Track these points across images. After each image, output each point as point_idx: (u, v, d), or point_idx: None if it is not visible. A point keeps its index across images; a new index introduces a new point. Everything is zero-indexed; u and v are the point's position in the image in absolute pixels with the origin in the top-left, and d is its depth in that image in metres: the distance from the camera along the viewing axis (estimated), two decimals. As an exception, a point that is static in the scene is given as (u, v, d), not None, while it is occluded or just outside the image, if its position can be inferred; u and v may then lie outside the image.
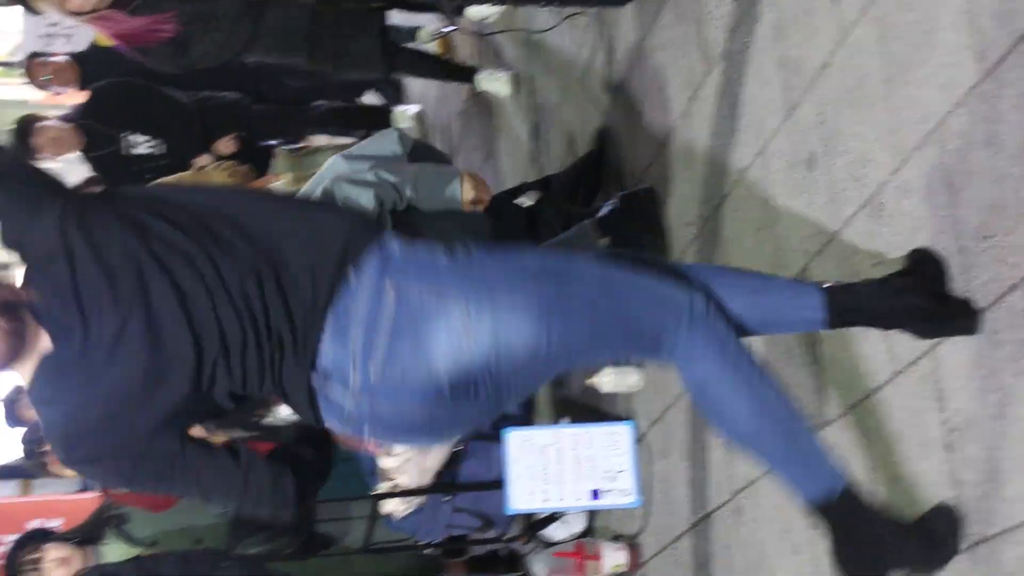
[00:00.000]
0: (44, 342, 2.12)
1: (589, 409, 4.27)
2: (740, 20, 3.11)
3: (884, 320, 2.34)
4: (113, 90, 5.82)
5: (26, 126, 5.62)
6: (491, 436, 4.66)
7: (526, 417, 4.82)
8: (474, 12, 5.33)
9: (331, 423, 2.21)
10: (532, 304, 2.15)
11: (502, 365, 2.13)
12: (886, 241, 2.48)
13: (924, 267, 2.33)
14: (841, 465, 2.24)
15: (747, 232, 3.11)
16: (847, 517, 2.22)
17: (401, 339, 2.10)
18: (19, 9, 5.04)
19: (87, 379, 2.11)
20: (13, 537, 5.14)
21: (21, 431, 5.33)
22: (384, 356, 2.10)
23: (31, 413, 5.18)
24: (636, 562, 4.03)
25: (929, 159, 2.32)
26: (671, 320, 2.20)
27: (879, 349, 2.50)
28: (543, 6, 4.46)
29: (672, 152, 3.57)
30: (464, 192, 3.59)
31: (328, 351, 2.13)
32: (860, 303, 2.32)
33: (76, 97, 6.44)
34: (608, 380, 3.90)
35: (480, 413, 2.25)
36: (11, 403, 5.48)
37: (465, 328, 2.12)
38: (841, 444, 2.64)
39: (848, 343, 2.62)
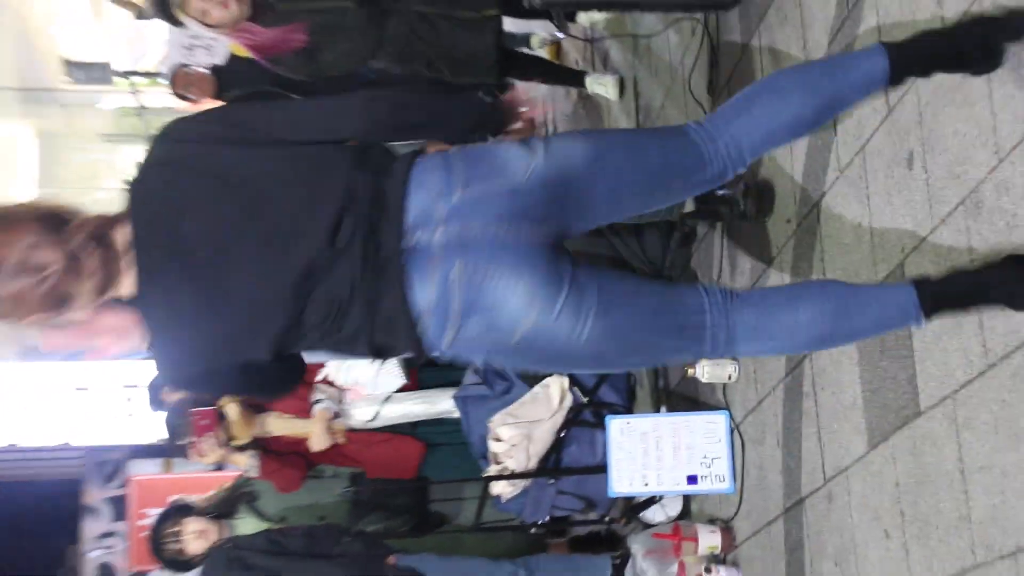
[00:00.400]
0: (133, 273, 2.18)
1: (687, 399, 4.23)
2: (843, 22, 3.05)
3: (973, 296, 2.32)
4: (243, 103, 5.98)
5: None
6: (594, 423, 4.67)
7: (627, 406, 4.81)
8: (583, 18, 5.33)
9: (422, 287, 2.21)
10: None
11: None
12: (983, 238, 2.41)
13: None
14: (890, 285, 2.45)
15: (845, 229, 3.05)
16: (947, 295, 2.32)
17: None
18: (165, 23, 5.15)
19: (199, 297, 2.17)
20: (157, 510, 5.29)
21: (164, 414, 5.47)
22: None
23: (174, 397, 5.31)
24: (730, 544, 3.99)
25: (1028, 157, 2.25)
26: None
27: (973, 342, 2.43)
28: (649, 11, 4.44)
29: (773, 153, 3.52)
30: None
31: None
32: (949, 287, 2.32)
33: (214, 105, 6.60)
34: (706, 371, 3.87)
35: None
36: (155, 388, 5.61)
37: None
38: (935, 434, 2.58)
39: (940, 336, 2.55)
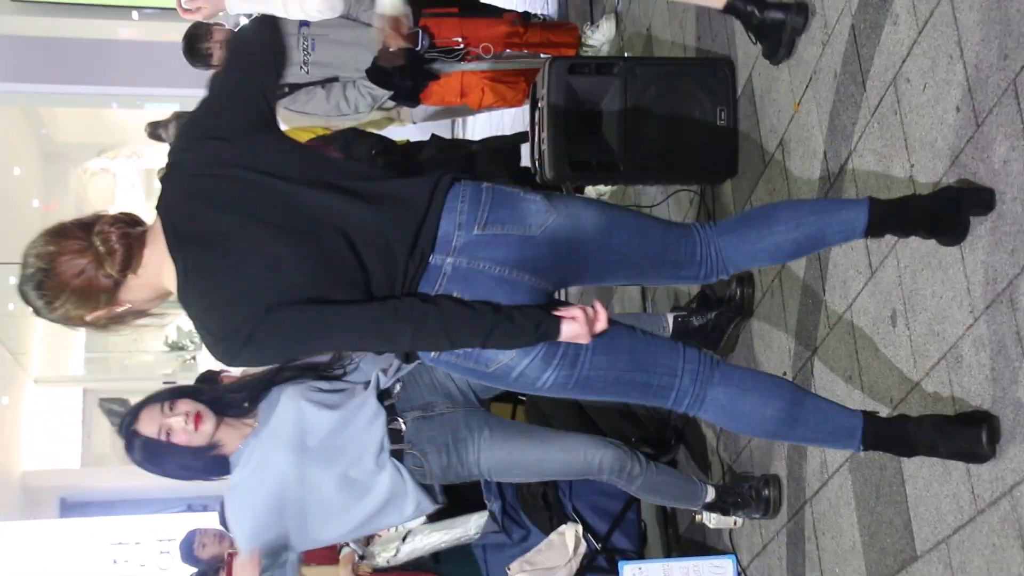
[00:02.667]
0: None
1: (696, 543, 4.20)
2: (826, 193, 3.13)
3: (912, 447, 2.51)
4: None
5: None
6: (607, 569, 4.62)
7: (639, 551, 4.76)
8: (590, 191, 5.46)
9: None
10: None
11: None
12: (965, 389, 2.45)
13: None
14: (847, 409, 2.51)
15: (838, 381, 3.08)
16: (889, 438, 2.49)
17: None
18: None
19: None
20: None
21: (196, 569, 5.43)
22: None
23: (206, 552, 5.29)
24: None
25: (1001, 316, 2.30)
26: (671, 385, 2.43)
27: (962, 489, 2.44)
28: (651, 184, 4.55)
29: (770, 308, 3.58)
30: None
31: None
32: (894, 432, 2.51)
33: None
34: (713, 519, 3.85)
35: None
36: (188, 543, 5.57)
37: None
38: (930, 577, 2.57)
39: (931, 482, 2.57)
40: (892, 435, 2.49)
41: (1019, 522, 2.25)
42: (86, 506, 12.29)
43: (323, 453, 3.22)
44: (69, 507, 12.39)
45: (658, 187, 4.58)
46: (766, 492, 3.58)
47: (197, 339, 14.28)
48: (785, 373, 3.44)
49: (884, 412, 2.79)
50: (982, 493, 2.37)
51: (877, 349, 2.85)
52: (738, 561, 3.86)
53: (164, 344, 13.89)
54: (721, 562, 3.90)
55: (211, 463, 3.23)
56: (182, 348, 13.67)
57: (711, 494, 3.71)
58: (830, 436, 2.53)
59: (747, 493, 3.64)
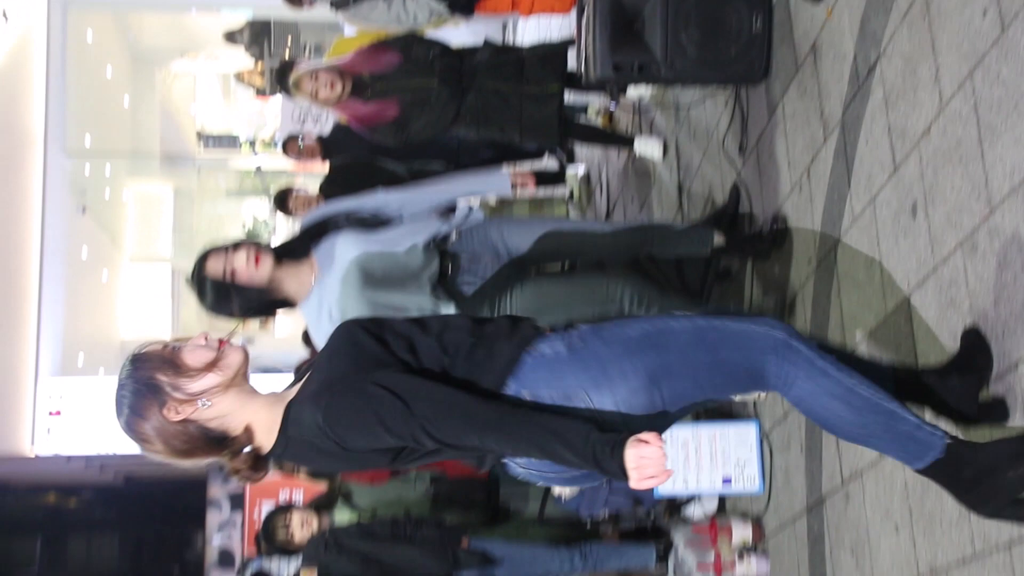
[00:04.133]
0: None
1: (722, 411, 4.23)
2: (854, 95, 3.06)
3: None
4: (343, 168, 6.17)
5: (283, 196, 6.19)
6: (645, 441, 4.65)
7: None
8: (632, 91, 5.37)
9: None
10: (640, 373, 2.11)
11: (631, 423, 2.08)
12: (978, 276, 2.41)
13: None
14: (935, 428, 2.11)
15: (858, 268, 3.05)
16: (955, 469, 2.10)
17: None
18: (279, 98, 5.31)
19: None
20: (269, 503, 5.36)
21: None
22: None
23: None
24: (760, 537, 3.97)
25: (1016, 207, 2.25)
26: (760, 357, 2.12)
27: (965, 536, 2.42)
28: (688, 86, 4.46)
29: (796, 202, 3.53)
30: None
31: None
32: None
33: (320, 167, 6.87)
34: (739, 388, 3.85)
35: None
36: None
37: (592, 412, 2.10)
38: None
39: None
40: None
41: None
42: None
43: (384, 283, 3.29)
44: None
45: (695, 88, 4.49)
46: (773, 226, 3.61)
47: (272, 226, 14.35)
48: (810, 260, 3.41)
49: (902, 295, 2.76)
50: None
51: (897, 238, 2.81)
52: (761, 427, 3.89)
53: (242, 230, 14.02)
54: (745, 427, 3.94)
55: (276, 303, 3.34)
56: (257, 236, 13.80)
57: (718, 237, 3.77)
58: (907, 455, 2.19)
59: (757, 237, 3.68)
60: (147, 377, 2.10)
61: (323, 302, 3.29)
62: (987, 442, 2.12)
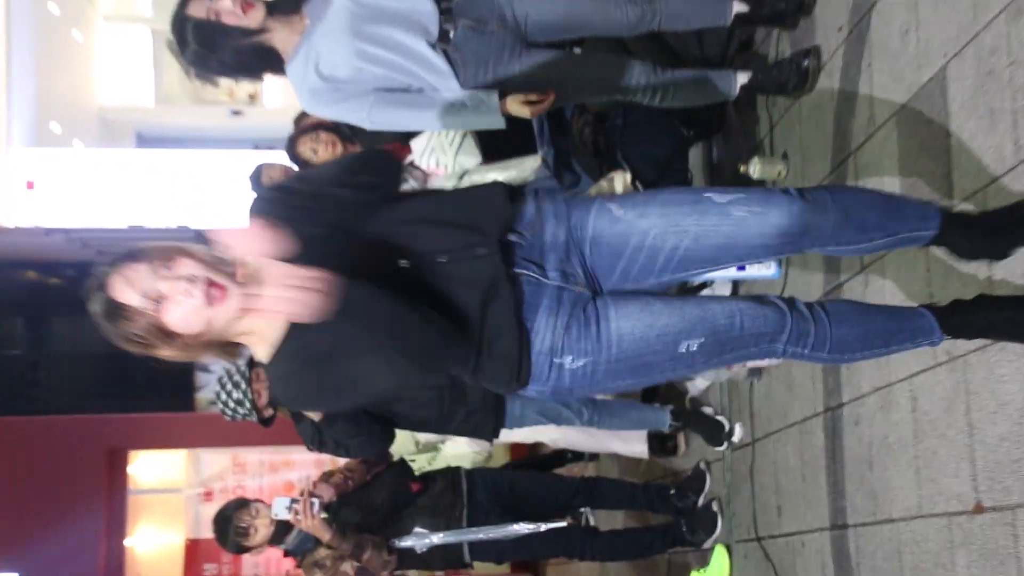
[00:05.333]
0: None
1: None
2: None
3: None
4: None
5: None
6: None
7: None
8: None
9: None
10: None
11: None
12: (1022, 42, 2.37)
13: None
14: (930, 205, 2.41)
15: (892, 36, 2.99)
16: (958, 231, 2.39)
17: None
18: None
19: None
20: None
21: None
22: None
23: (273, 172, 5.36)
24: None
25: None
26: (768, 342, 2.30)
27: (1006, 140, 2.41)
28: None
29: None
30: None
31: None
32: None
33: None
34: (757, 168, 3.85)
35: None
36: (256, 174, 5.65)
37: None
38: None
39: (977, 134, 2.53)
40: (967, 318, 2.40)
41: None
42: (161, 141, 12.54)
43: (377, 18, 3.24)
44: (145, 141, 12.65)
45: None
46: (806, 63, 3.52)
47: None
48: (841, 28, 3.34)
49: (938, 65, 2.72)
50: (1026, 146, 2.34)
51: (936, 2, 2.73)
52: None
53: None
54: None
55: (264, 55, 3.25)
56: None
57: (744, 78, 3.70)
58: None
59: (786, 67, 3.61)
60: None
61: (309, 54, 3.24)
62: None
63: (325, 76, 3.30)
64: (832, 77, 3.42)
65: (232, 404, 4.21)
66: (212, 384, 4.60)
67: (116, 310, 2.03)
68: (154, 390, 10.38)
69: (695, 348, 2.24)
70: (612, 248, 2.30)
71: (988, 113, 2.48)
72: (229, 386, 4.24)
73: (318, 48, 3.22)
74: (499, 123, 3.41)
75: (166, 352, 2.09)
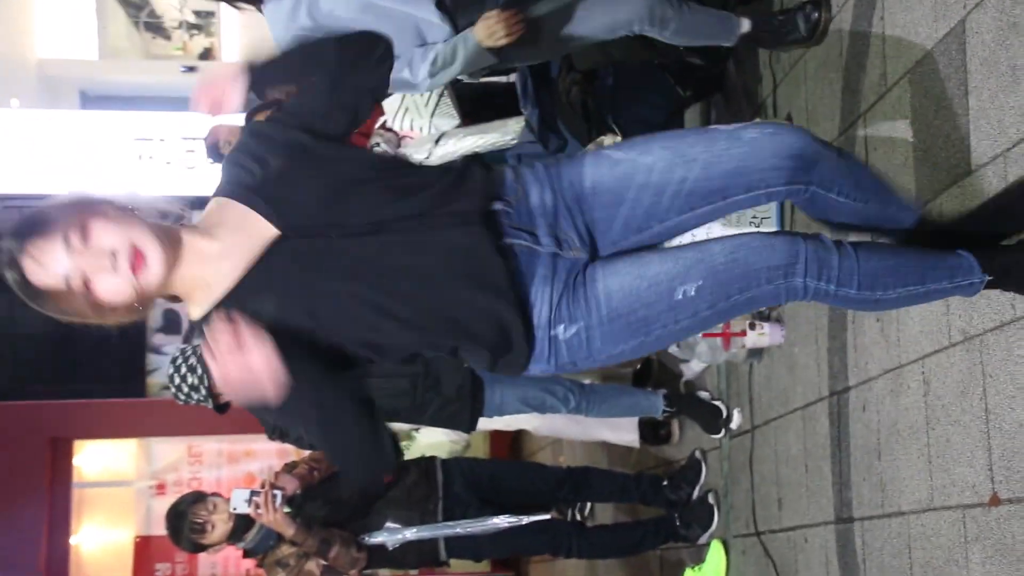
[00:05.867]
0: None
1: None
2: None
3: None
4: None
5: None
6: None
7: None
8: None
9: None
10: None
11: None
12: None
13: None
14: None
15: (908, -15, 2.99)
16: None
17: None
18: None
19: None
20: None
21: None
22: None
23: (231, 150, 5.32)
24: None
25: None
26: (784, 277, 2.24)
27: (1029, 101, 2.41)
28: None
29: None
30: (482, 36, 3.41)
31: None
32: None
33: None
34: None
35: None
36: (213, 143, 5.62)
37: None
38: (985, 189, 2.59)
39: (998, 93, 2.54)
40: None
41: None
42: (107, 100, 12.43)
43: None
44: (90, 100, 12.53)
45: None
46: (816, 14, 3.52)
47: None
48: (852, -25, 3.34)
49: (956, 16, 2.72)
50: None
51: (956, -52, 2.74)
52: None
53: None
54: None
55: None
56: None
57: (746, 26, 3.72)
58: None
59: (791, 18, 3.61)
60: None
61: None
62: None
63: (319, 21, 3.26)
64: (841, 31, 3.42)
65: (186, 389, 4.19)
66: (165, 367, 4.57)
67: (38, 293, 2.04)
68: (101, 374, 10.30)
69: (693, 292, 2.20)
70: (614, 193, 2.29)
71: (1010, 70, 2.49)
72: (184, 369, 4.22)
73: None
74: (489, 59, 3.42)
75: (108, 320, 2.10)
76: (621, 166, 2.30)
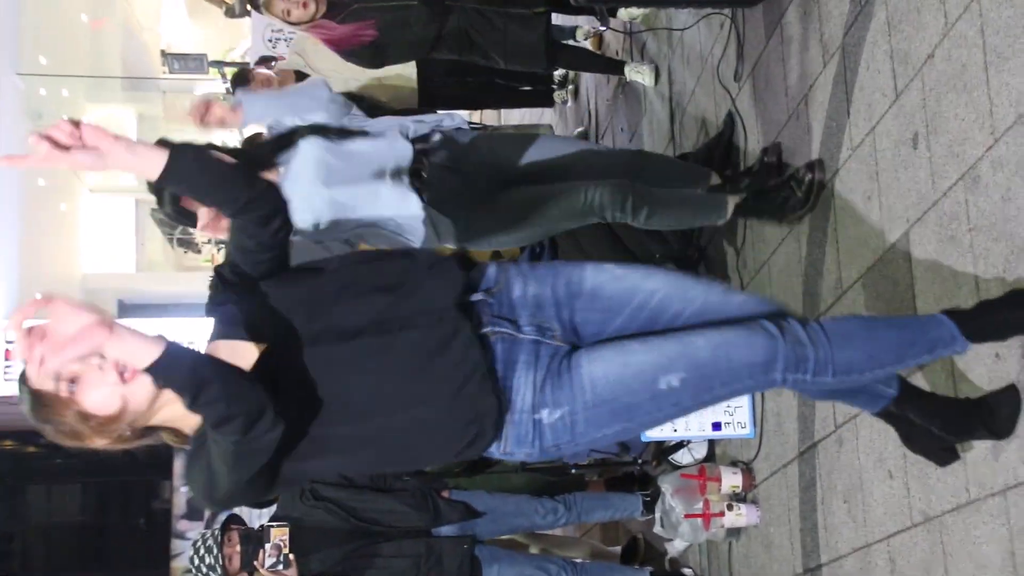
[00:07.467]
0: None
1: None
2: (856, 17, 3.05)
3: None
4: None
5: (243, 75, 5.68)
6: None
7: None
8: (623, 13, 5.34)
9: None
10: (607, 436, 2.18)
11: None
12: (980, 210, 2.43)
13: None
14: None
15: (856, 201, 3.06)
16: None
17: None
18: (247, 20, 5.19)
19: None
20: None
21: None
22: None
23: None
24: (750, 484, 4.02)
25: (1021, 137, 2.26)
26: (763, 372, 2.16)
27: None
28: (682, 7, 4.43)
29: (792, 132, 3.53)
30: None
31: None
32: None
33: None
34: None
35: None
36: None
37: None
38: (932, 383, 2.60)
39: (942, 298, 2.57)
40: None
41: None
42: (143, 308, 12.54)
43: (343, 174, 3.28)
44: (127, 308, 12.64)
45: (690, 10, 4.46)
46: (809, 176, 3.32)
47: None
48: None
49: (901, 230, 2.78)
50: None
51: (897, 170, 2.82)
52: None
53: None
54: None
55: None
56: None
57: (732, 203, 3.58)
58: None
59: (787, 183, 3.43)
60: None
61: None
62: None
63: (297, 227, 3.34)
64: (800, 242, 3.49)
65: (204, 569, 4.15)
66: (187, 551, 4.53)
67: (39, 401, 1.96)
68: (128, 559, 10.10)
69: (676, 384, 2.11)
70: (614, 302, 2.23)
71: (952, 276, 2.53)
72: (202, 551, 4.20)
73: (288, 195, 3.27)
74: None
75: (98, 441, 2.02)
76: (625, 282, 2.24)
